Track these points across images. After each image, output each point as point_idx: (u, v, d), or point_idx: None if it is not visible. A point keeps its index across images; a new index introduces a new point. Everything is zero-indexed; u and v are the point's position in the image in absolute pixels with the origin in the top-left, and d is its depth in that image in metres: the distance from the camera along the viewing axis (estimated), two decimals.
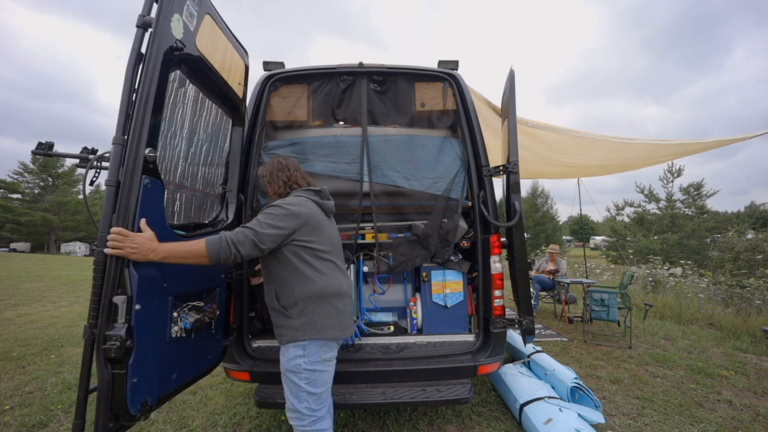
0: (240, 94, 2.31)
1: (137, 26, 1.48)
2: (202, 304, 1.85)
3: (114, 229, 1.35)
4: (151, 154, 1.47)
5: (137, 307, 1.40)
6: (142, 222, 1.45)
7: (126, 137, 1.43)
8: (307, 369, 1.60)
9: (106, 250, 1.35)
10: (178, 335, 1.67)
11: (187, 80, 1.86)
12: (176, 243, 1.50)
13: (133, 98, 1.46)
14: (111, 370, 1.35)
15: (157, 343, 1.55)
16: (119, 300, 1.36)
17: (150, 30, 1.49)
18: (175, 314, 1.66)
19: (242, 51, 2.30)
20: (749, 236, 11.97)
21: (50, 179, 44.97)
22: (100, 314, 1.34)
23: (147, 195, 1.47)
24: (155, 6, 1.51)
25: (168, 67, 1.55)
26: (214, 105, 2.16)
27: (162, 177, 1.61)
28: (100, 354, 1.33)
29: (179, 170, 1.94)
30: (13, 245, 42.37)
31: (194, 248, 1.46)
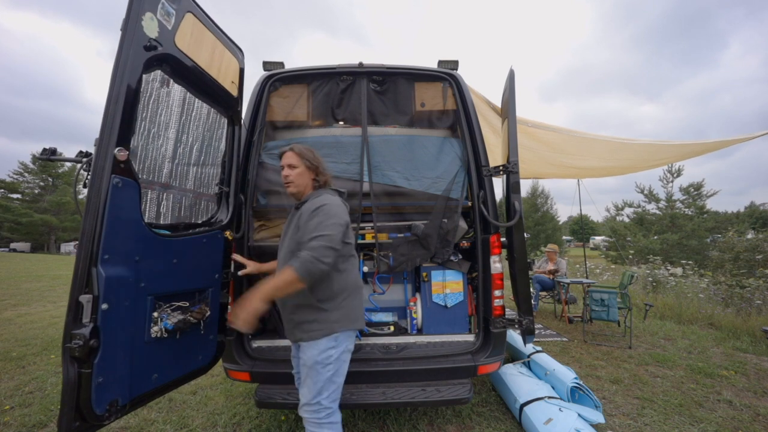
0: (234, 93, 2.27)
1: (121, 30, 1.48)
2: (188, 304, 1.85)
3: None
4: (121, 154, 1.45)
5: (104, 306, 1.39)
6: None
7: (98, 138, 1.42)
8: (337, 359, 1.66)
9: (231, 326, 1.55)
10: (159, 335, 1.66)
11: (171, 80, 1.84)
12: (271, 282, 1.55)
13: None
14: (77, 369, 1.34)
15: (131, 343, 1.54)
16: (84, 299, 1.35)
17: None
18: (155, 314, 1.66)
19: (235, 49, 2.25)
20: (749, 236, 11.97)
21: (50, 179, 45.03)
22: (67, 313, 1.34)
23: (117, 195, 1.45)
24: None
25: (141, 66, 1.54)
26: (208, 105, 2.14)
27: (139, 176, 1.59)
28: (65, 353, 1.33)
29: (178, 171, 1.94)
30: (13, 245, 42.39)
31: (287, 279, 1.52)
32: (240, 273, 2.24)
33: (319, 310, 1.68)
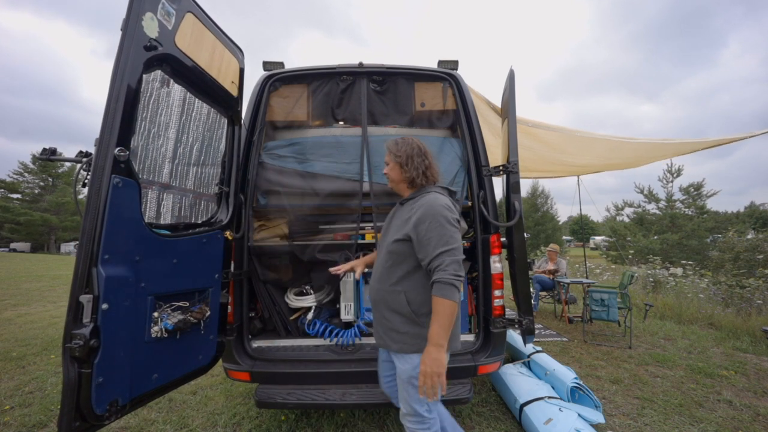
0: (234, 93, 2.26)
1: (121, 29, 1.48)
2: (187, 304, 1.85)
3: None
4: (122, 154, 1.45)
5: (104, 306, 1.39)
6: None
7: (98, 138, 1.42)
8: None
9: (429, 400, 1.46)
10: (159, 335, 1.66)
11: (171, 80, 1.83)
12: (434, 326, 1.45)
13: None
14: (78, 368, 1.34)
15: (132, 343, 1.54)
16: (85, 299, 1.35)
17: None
18: (155, 314, 1.66)
19: (235, 49, 2.25)
20: (749, 236, 11.98)
21: (50, 179, 45.04)
22: (67, 313, 1.35)
23: (117, 195, 1.45)
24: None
25: (141, 66, 1.54)
26: (208, 105, 2.14)
27: (139, 176, 1.59)
28: (65, 353, 1.33)
29: (178, 171, 1.94)
30: (13, 245, 42.39)
31: (449, 312, 1.43)
32: (357, 276, 2.08)
33: (413, 324, 1.57)
